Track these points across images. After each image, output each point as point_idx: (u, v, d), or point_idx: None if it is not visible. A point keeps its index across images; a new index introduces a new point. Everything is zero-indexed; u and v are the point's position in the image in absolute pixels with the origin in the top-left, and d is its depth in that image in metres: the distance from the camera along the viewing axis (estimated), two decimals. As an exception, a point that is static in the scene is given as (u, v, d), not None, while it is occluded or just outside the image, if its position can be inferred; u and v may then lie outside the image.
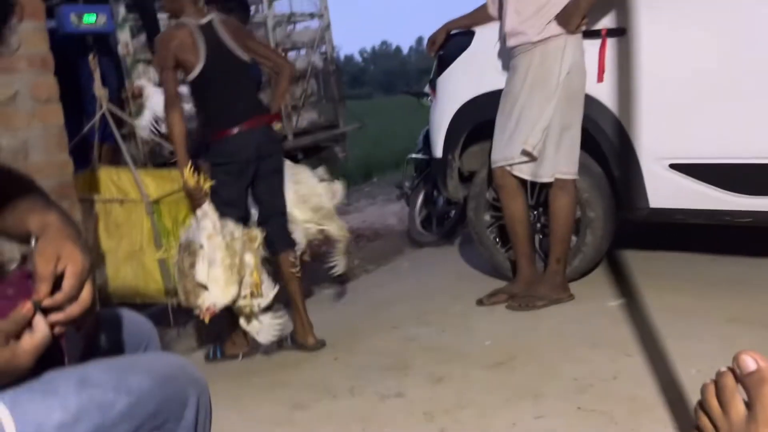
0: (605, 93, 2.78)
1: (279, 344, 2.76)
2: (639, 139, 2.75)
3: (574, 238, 2.96)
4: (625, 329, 2.46)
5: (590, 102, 2.77)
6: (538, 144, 2.67)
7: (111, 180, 3.03)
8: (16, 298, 0.90)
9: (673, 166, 2.72)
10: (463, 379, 2.26)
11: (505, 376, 2.24)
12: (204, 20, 2.60)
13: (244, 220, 2.72)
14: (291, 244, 2.80)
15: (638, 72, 2.70)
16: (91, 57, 3.06)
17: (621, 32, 2.72)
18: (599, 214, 2.92)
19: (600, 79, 2.76)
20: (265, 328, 2.57)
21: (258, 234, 2.58)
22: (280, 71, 2.78)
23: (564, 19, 2.60)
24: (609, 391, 2.04)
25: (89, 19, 2.91)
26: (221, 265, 2.40)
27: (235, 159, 2.62)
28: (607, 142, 2.85)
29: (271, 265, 2.74)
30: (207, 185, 2.54)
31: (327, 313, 3.25)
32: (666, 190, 2.76)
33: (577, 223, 2.94)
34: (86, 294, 0.93)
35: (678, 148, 2.72)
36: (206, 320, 2.45)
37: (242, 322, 2.55)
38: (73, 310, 0.91)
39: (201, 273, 2.40)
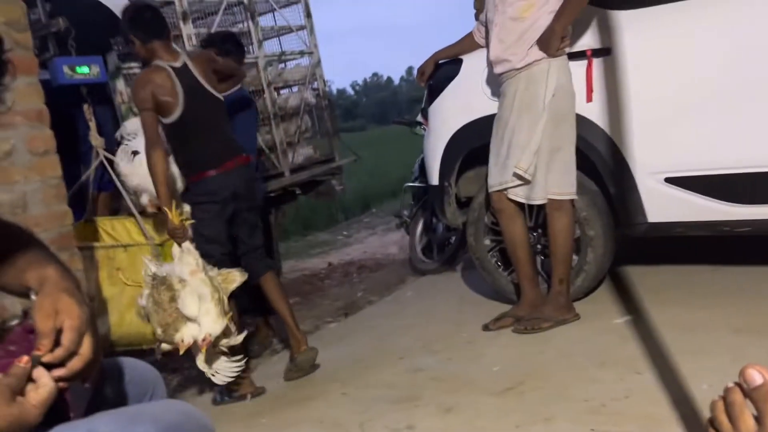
0: (595, 112, 2.81)
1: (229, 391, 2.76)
2: (632, 155, 2.77)
3: (575, 257, 2.95)
4: (633, 346, 2.44)
5: (581, 122, 2.80)
6: (530, 167, 2.69)
7: (105, 230, 3.05)
8: (19, 355, 0.90)
9: (668, 180, 2.74)
10: (472, 408, 2.23)
11: (515, 402, 2.21)
12: (178, 63, 2.67)
13: (229, 255, 2.81)
14: (271, 265, 2.99)
15: (626, 89, 2.73)
16: (86, 107, 3.10)
17: (606, 52, 2.77)
18: (599, 231, 2.93)
19: (589, 98, 2.79)
20: (222, 370, 2.57)
21: (238, 276, 2.61)
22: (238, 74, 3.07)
23: (543, 43, 2.65)
24: (622, 410, 2.02)
25: (82, 70, 2.97)
26: (211, 299, 2.44)
27: (214, 198, 2.73)
28: (601, 160, 2.86)
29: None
30: (188, 223, 2.63)
31: (332, 347, 3.22)
32: (663, 204, 2.77)
33: (577, 241, 2.95)
34: (87, 347, 0.93)
35: (672, 161, 2.74)
36: (181, 352, 2.46)
37: (200, 362, 2.52)
38: (75, 364, 0.91)
39: (191, 306, 2.41)
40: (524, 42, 2.67)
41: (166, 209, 2.58)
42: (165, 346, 2.51)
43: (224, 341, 2.52)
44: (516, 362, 2.54)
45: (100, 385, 1.11)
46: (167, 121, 2.66)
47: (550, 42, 2.63)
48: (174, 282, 2.45)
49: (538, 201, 2.77)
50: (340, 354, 3.09)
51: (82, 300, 0.97)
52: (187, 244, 2.56)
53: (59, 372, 0.89)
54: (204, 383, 3.01)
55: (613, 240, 2.99)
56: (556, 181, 2.73)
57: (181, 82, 2.65)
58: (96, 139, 3.08)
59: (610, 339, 2.57)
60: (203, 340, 2.42)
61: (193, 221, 2.69)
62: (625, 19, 2.73)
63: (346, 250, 6.48)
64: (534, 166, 2.69)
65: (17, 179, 2.12)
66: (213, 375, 2.55)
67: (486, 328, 2.93)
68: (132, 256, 2.95)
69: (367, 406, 2.41)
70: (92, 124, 3.07)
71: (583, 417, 2.02)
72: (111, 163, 3.07)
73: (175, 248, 2.56)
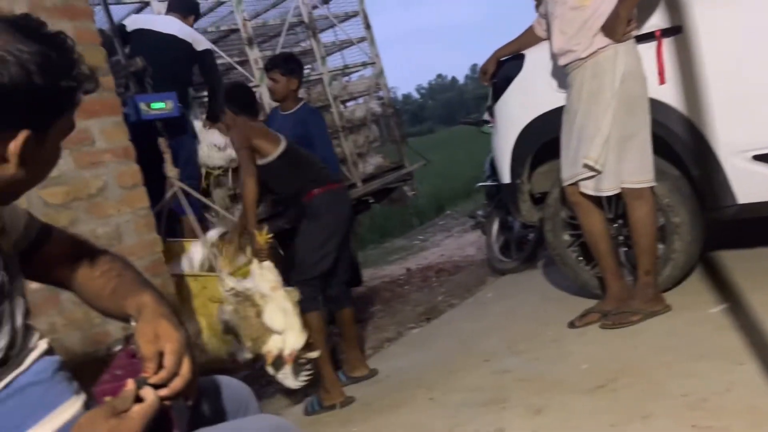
0: (670, 94, 2.70)
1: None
2: (714, 134, 2.64)
3: (661, 246, 2.84)
4: (731, 336, 2.32)
5: (656, 105, 2.69)
6: (600, 157, 2.61)
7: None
8: (125, 378, 0.98)
9: (757, 158, 2.58)
10: (563, 408, 2.19)
11: (608, 400, 2.15)
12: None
13: (329, 273, 3.01)
14: (351, 302, 3.23)
15: (702, 68, 2.60)
16: (162, 140, 3.27)
17: (676, 30, 2.65)
18: (684, 218, 2.80)
19: (661, 81, 2.68)
20: (292, 375, 2.68)
21: (296, 293, 2.73)
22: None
23: (608, 30, 2.57)
24: (724, 404, 1.92)
25: (158, 105, 3.15)
26: (294, 313, 2.58)
27: (335, 213, 3.00)
28: (680, 143, 2.74)
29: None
30: (267, 239, 2.85)
31: (416, 352, 3.24)
32: (753, 184, 2.61)
33: (662, 230, 2.83)
34: (186, 368, 0.99)
35: (759, 138, 2.58)
36: (269, 362, 2.58)
37: (270, 368, 2.65)
38: (176, 384, 0.97)
39: (277, 321, 2.55)
40: (587, 30, 2.60)
41: (253, 230, 2.84)
42: (248, 355, 2.63)
43: (304, 354, 2.62)
44: (606, 359, 2.46)
45: (198, 402, 1.18)
46: (266, 160, 2.99)
47: (616, 27, 2.55)
48: (256, 297, 2.57)
49: (608, 191, 2.68)
50: (425, 359, 3.10)
51: (179, 324, 1.04)
52: (268, 262, 2.70)
53: (163, 392, 0.95)
54: (295, 395, 3.10)
55: (701, 225, 2.85)
56: (633, 169, 2.63)
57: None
58: (171, 171, 3.24)
59: (707, 329, 2.44)
60: (289, 354, 2.52)
61: (269, 238, 2.87)
62: (695, -5, 2.61)
63: (423, 255, 6.49)
64: (604, 156, 2.61)
65: (111, 213, 2.28)
66: (285, 379, 2.67)
67: (572, 325, 2.86)
68: (201, 284, 3.04)
69: (455, 410, 2.41)
70: (167, 157, 3.24)
71: (683, 413, 1.93)
72: (186, 192, 3.24)
73: (255, 265, 2.69)
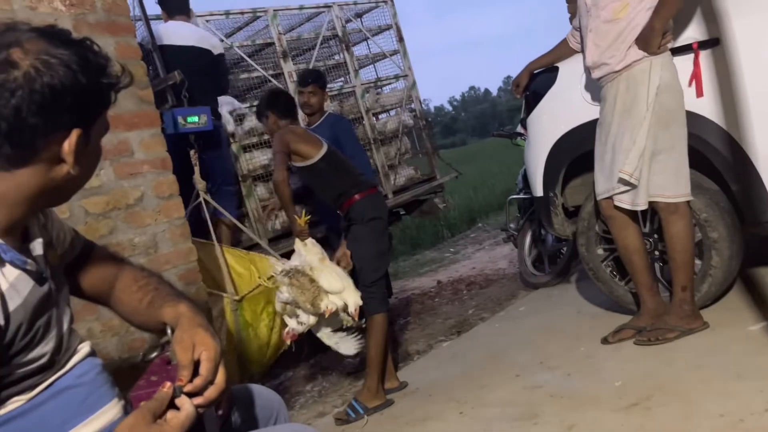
0: (707, 107, 2.64)
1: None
2: (754, 147, 2.57)
3: (698, 262, 2.77)
4: (772, 355, 2.25)
5: (693, 118, 2.65)
6: (635, 171, 2.57)
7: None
8: (160, 385, 1.00)
9: (798, 172, 2.52)
10: (596, 425, 2.15)
11: (642, 419, 2.10)
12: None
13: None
14: (386, 307, 3.09)
15: (741, 80, 2.55)
16: (192, 152, 3.34)
17: (714, 42, 2.61)
18: (722, 233, 2.73)
19: (699, 93, 2.63)
20: (346, 342, 2.93)
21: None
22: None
23: (643, 42, 2.54)
24: (762, 425, 1.86)
25: (192, 119, 3.24)
26: (347, 276, 2.86)
27: (379, 215, 3.05)
28: (719, 157, 2.68)
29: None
30: (306, 220, 3.00)
31: (447, 365, 3.22)
32: (795, 199, 2.54)
33: (699, 245, 2.77)
34: (221, 376, 1.01)
35: (801, 151, 2.52)
36: (327, 316, 2.78)
37: (325, 336, 2.89)
38: (211, 392, 1.00)
39: (334, 282, 2.79)
40: (622, 43, 2.58)
41: (293, 216, 3.03)
42: (309, 320, 2.81)
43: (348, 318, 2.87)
44: (640, 376, 2.41)
45: (230, 410, 1.20)
46: (306, 163, 3.09)
47: (651, 40, 2.52)
48: (306, 269, 2.79)
49: (644, 206, 2.64)
50: (455, 373, 3.08)
51: (214, 333, 1.07)
52: (310, 239, 2.96)
53: (198, 400, 0.97)
54: (324, 405, 3.11)
55: (740, 241, 2.78)
56: (668, 183, 2.59)
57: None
58: (199, 183, 3.31)
59: (746, 348, 2.38)
60: (355, 310, 2.80)
61: (308, 218, 3.02)
62: (732, 6, 2.57)
63: (454, 267, 6.46)
64: (639, 170, 2.57)
65: (148, 222, 2.33)
66: (338, 346, 2.92)
67: (605, 341, 2.82)
68: (213, 302, 3.10)
69: (486, 425, 2.39)
70: (196, 169, 3.31)
71: (720, 433, 1.88)
72: (207, 203, 3.33)
73: (298, 244, 2.95)
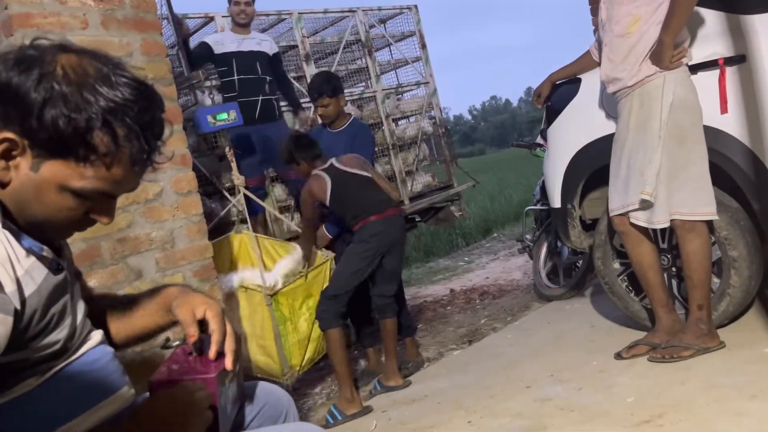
0: (731, 124, 2.61)
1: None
2: (778, 167, 2.54)
3: (716, 281, 2.74)
4: (789, 378, 2.21)
5: (716, 135, 2.62)
6: (654, 190, 2.54)
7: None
8: (181, 374, 1.03)
9: (822, 192, 2.48)
10: (607, 440, 2.12)
11: (653, 436, 2.08)
12: (327, 165, 3.34)
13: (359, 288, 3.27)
14: (395, 313, 3.38)
15: (766, 97, 2.52)
16: (228, 150, 3.39)
17: (740, 59, 2.58)
18: (742, 252, 2.69)
19: (723, 110, 2.60)
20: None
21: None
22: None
23: (655, 57, 2.51)
24: (778, 449, 1.83)
25: (222, 116, 3.28)
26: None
27: (375, 240, 3.19)
28: (741, 174, 2.65)
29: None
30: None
31: (456, 374, 3.21)
32: (818, 219, 2.50)
33: (718, 263, 2.73)
34: (230, 328, 1.08)
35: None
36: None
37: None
38: (231, 343, 1.04)
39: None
40: (634, 58, 2.56)
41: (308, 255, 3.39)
42: None
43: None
44: (653, 393, 2.38)
45: (242, 405, 1.21)
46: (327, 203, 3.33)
47: (662, 55, 2.49)
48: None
49: (660, 224, 2.61)
50: (465, 382, 3.06)
51: (210, 295, 1.10)
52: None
53: (228, 359, 1.04)
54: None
55: (761, 260, 2.74)
56: (686, 200, 2.55)
57: (330, 174, 3.29)
58: (237, 179, 3.40)
59: (762, 369, 2.34)
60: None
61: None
62: (760, 23, 2.54)
63: (468, 276, 6.43)
64: (656, 188, 2.55)
65: (166, 217, 2.35)
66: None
67: (618, 356, 2.78)
68: (249, 297, 3.20)
69: (494, 435, 2.37)
70: (233, 165, 3.36)
71: (733, 455, 1.85)
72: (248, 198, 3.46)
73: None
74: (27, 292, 0.90)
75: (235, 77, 3.94)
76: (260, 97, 4.00)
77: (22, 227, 0.95)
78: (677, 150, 2.53)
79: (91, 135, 0.89)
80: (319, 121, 3.86)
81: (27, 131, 0.88)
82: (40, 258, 0.95)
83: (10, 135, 0.88)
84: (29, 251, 0.93)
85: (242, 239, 3.33)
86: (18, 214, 0.94)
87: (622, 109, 2.66)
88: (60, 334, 0.97)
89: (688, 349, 2.59)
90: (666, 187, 2.54)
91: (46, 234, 0.97)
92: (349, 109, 4.77)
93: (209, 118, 3.28)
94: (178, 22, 3.62)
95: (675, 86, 2.52)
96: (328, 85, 3.57)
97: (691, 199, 2.56)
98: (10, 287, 0.88)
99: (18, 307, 0.88)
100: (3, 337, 0.86)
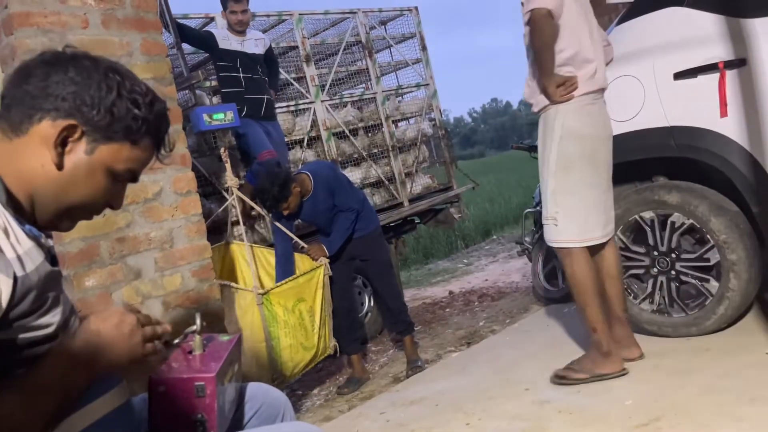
0: (731, 127, 2.62)
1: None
2: (777, 170, 2.54)
3: (716, 285, 2.74)
4: (788, 382, 2.21)
5: (716, 138, 2.62)
6: (553, 212, 2.62)
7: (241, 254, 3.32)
8: (180, 370, 1.02)
9: (821, 196, 2.48)
10: (605, 443, 2.12)
11: (651, 439, 2.07)
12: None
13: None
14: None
15: (767, 101, 2.52)
16: (222, 150, 3.38)
17: (740, 63, 2.58)
18: (741, 255, 2.69)
19: (723, 113, 2.61)
20: None
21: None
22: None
23: (545, 92, 2.56)
24: (776, 453, 1.83)
25: (218, 116, 3.28)
26: None
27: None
28: (740, 178, 2.65)
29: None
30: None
31: (455, 376, 3.21)
32: (817, 223, 2.50)
33: (717, 267, 2.73)
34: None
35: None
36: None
37: None
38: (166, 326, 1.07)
39: None
40: (535, 88, 2.62)
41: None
42: None
43: None
44: (652, 396, 2.38)
45: (240, 406, 1.21)
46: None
47: (547, 89, 2.53)
48: None
49: (553, 244, 2.68)
50: (463, 384, 3.06)
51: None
52: None
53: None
54: (330, 409, 3.10)
55: (760, 264, 2.74)
56: (564, 227, 2.61)
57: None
58: (231, 180, 3.37)
59: (760, 372, 2.34)
60: None
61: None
62: (761, 27, 2.54)
63: (467, 278, 6.44)
64: (557, 213, 2.61)
65: (165, 217, 2.35)
66: None
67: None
68: (242, 296, 3.16)
69: (492, 437, 2.37)
70: (227, 166, 3.35)
71: (731, 459, 1.85)
72: (243, 201, 3.42)
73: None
74: (28, 269, 0.90)
75: (241, 75, 3.96)
76: (265, 96, 4.02)
77: (25, 217, 0.96)
78: (564, 178, 2.59)
79: (138, 120, 1.00)
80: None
81: (88, 118, 0.97)
82: (39, 245, 0.95)
83: (72, 122, 0.97)
84: (29, 235, 0.94)
85: (234, 250, 3.31)
86: (46, 201, 0.98)
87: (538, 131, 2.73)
88: (54, 318, 0.96)
89: (581, 373, 2.63)
90: (560, 213, 2.61)
91: (61, 222, 1.03)
92: (350, 110, 4.77)
93: (205, 117, 3.28)
94: (176, 23, 3.62)
95: (564, 118, 2.56)
96: (281, 194, 3.33)
97: (567, 226, 2.61)
98: (10, 254, 0.89)
99: (20, 273, 0.88)
100: (5, 297, 0.85)
